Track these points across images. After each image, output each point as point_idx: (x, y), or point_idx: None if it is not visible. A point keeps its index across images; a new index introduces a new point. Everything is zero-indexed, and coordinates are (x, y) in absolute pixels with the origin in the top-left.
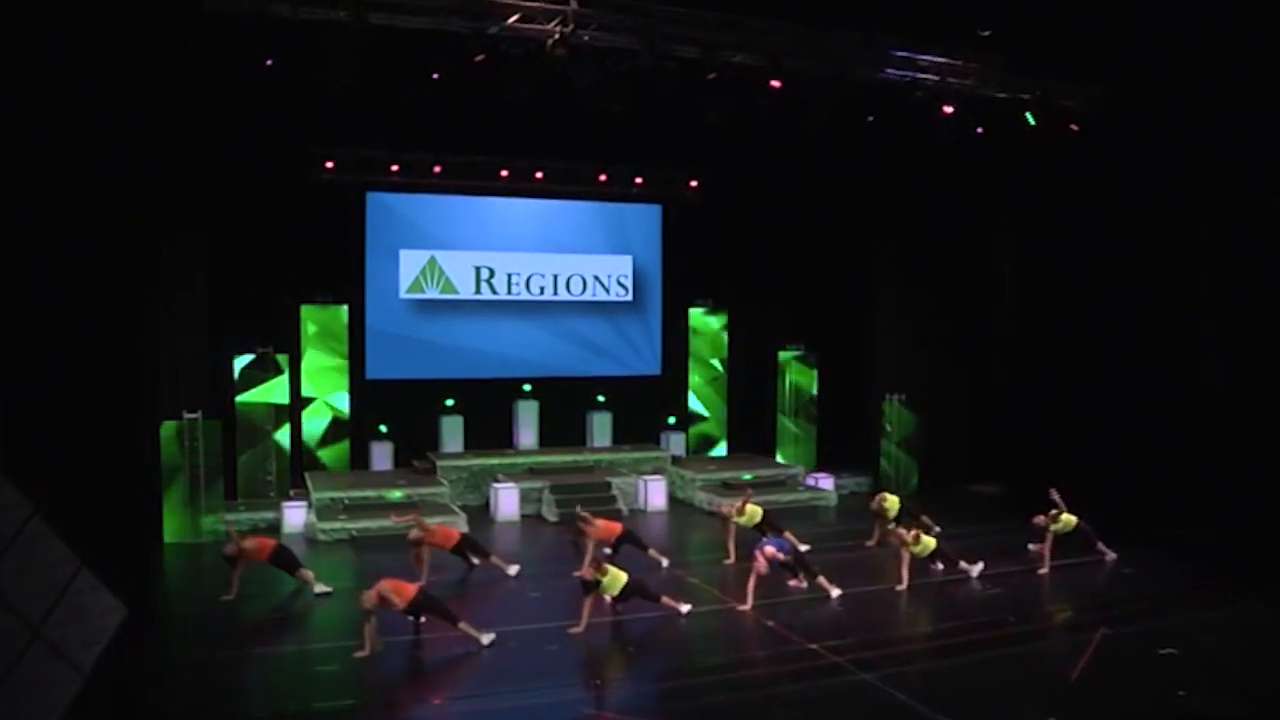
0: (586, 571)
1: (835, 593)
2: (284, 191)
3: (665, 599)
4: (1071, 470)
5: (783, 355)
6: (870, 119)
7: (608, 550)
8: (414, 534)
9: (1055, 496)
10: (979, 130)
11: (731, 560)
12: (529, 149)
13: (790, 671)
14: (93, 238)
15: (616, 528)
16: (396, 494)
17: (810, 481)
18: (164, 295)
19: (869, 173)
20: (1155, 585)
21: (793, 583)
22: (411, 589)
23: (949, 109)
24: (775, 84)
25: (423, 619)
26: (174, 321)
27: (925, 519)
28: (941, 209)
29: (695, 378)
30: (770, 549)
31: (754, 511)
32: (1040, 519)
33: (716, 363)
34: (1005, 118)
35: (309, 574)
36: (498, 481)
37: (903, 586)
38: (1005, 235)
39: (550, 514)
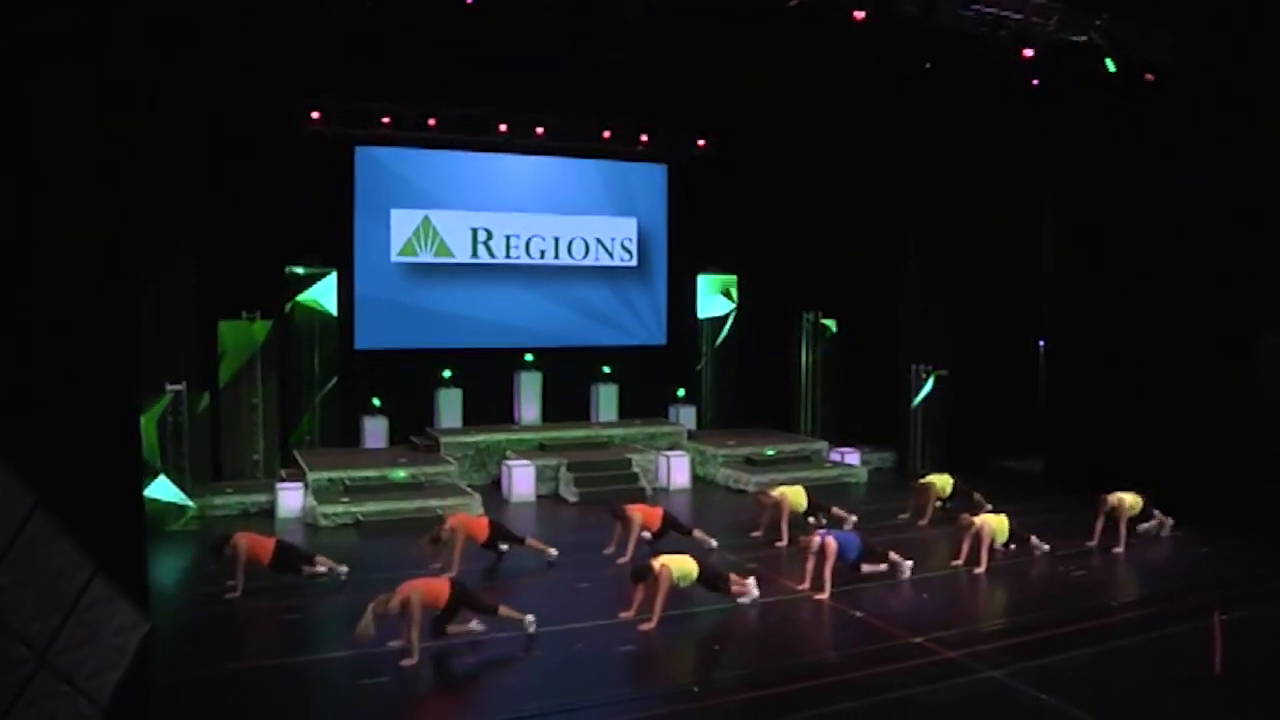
0: (653, 560)
1: (908, 567)
2: (265, 144)
3: (735, 584)
4: (1117, 445)
5: (801, 323)
6: (928, 65)
7: (647, 534)
8: (443, 534)
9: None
10: (1034, 83)
11: (784, 542)
12: (529, 102)
13: (909, 670)
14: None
15: (658, 512)
16: (400, 473)
17: (835, 457)
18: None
19: (897, 132)
20: (1244, 566)
21: (867, 567)
22: (444, 586)
23: (1029, 52)
24: (859, 15)
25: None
26: (155, 285)
27: (979, 497)
28: (980, 170)
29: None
30: (831, 541)
31: (799, 493)
32: (1110, 498)
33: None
34: (1076, 67)
35: (322, 564)
36: (508, 459)
37: (981, 569)
38: (1050, 198)
39: (570, 494)
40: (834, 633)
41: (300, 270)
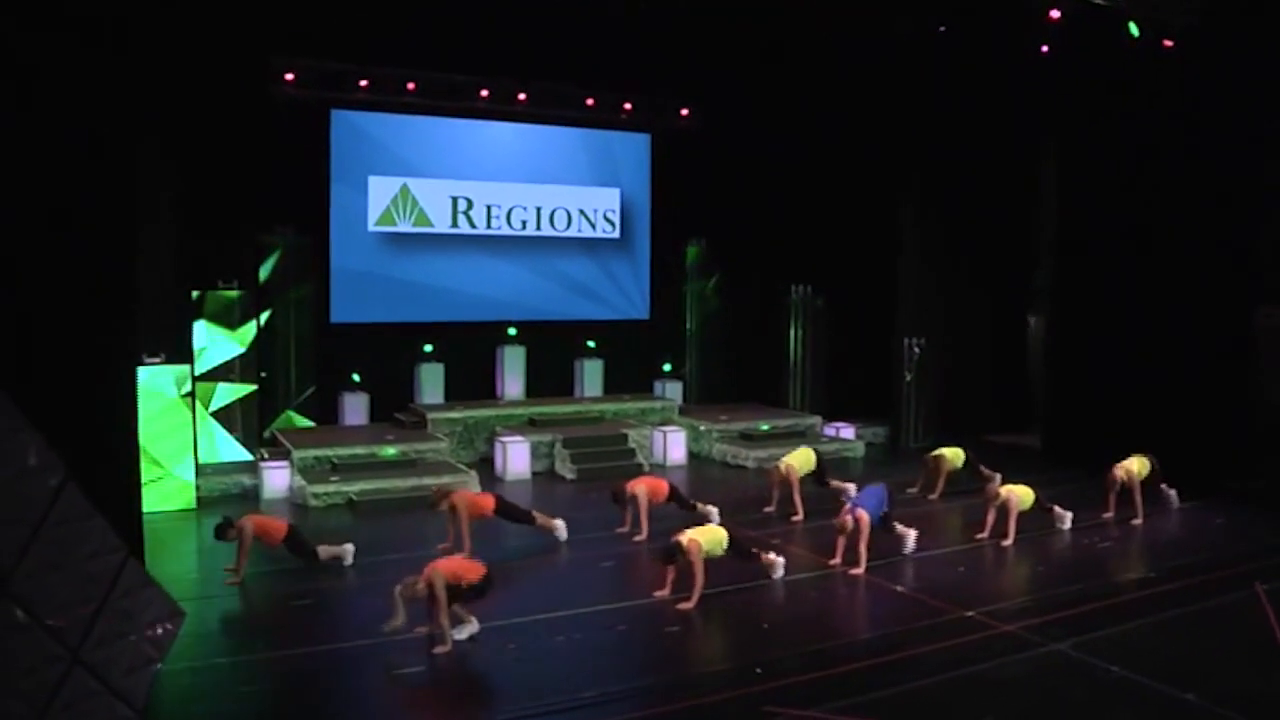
0: (679, 537)
1: (912, 538)
2: (237, 106)
3: (763, 556)
4: (1117, 418)
5: (789, 296)
6: (942, 29)
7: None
8: (441, 506)
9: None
10: (1044, 49)
11: (800, 516)
12: (512, 67)
13: (971, 645)
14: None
15: (663, 484)
16: (390, 450)
17: (830, 431)
18: None
19: (891, 99)
20: (1265, 537)
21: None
22: (470, 565)
23: (1056, 13)
24: None
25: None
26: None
27: (987, 470)
28: (979, 140)
29: (689, 323)
30: (864, 514)
31: (806, 455)
32: (1119, 471)
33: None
34: (1095, 32)
35: (328, 552)
36: (499, 435)
37: (1009, 541)
38: (1053, 168)
39: (567, 471)
40: (880, 608)
41: (275, 239)
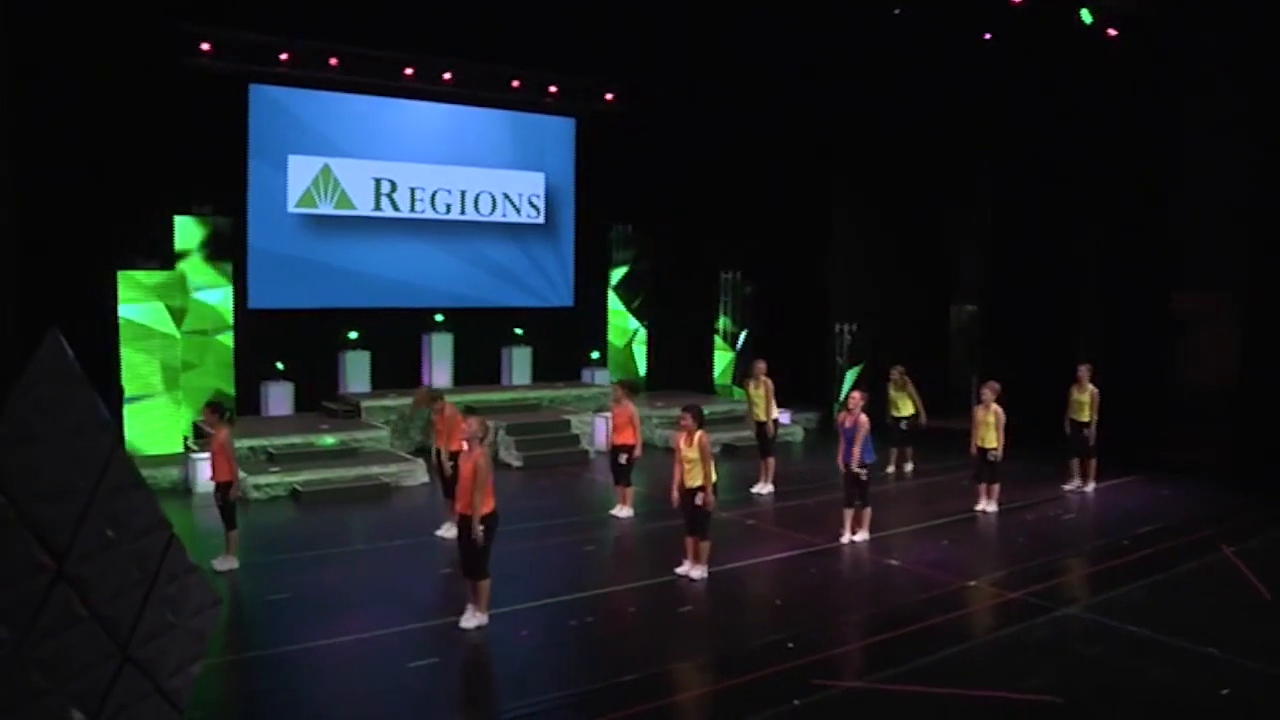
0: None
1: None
2: (151, 77)
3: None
4: (1047, 403)
5: (719, 283)
6: (897, 11)
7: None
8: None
9: None
10: (986, 36)
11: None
12: (438, 45)
13: (987, 613)
14: None
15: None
16: (329, 440)
17: None
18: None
19: (821, 86)
20: (1213, 503)
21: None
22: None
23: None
24: None
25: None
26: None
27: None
28: (912, 126)
29: (614, 312)
30: (864, 418)
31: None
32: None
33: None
34: (1042, 21)
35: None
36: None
37: (981, 507)
38: (987, 153)
39: (513, 458)
40: (883, 582)
41: (192, 219)
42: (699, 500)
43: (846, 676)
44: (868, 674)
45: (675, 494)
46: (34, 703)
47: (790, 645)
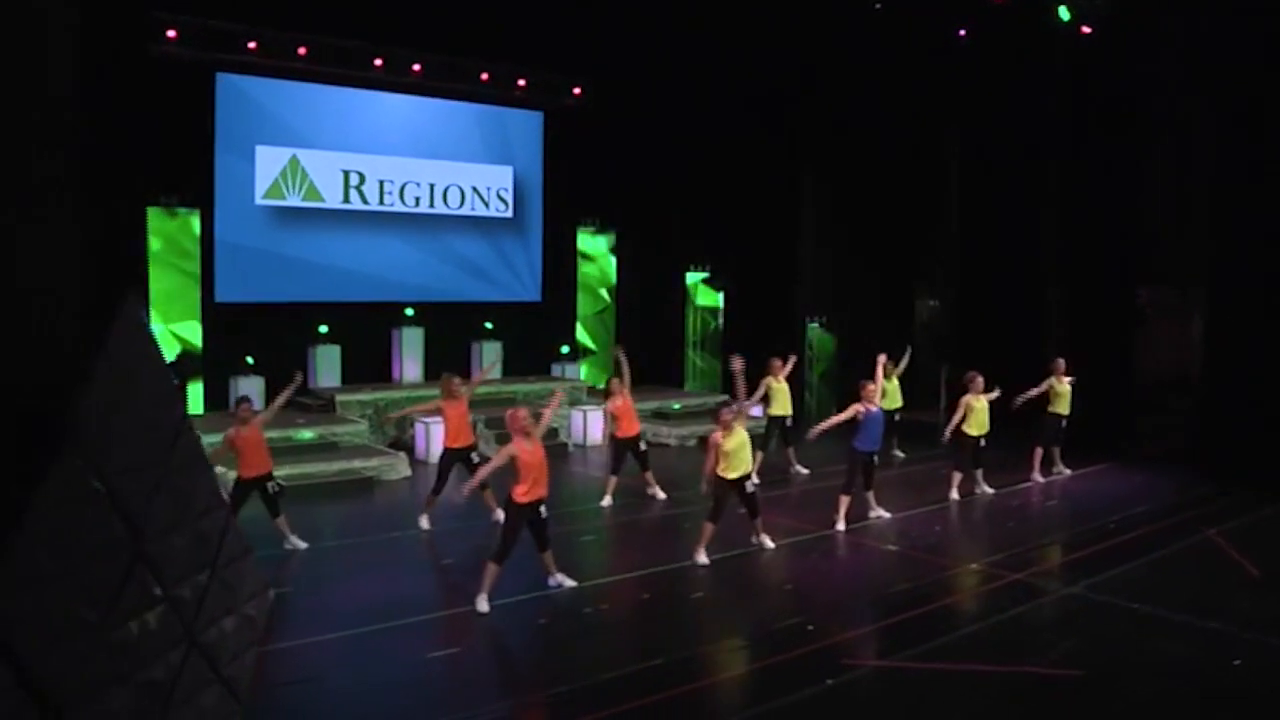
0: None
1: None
2: (114, 64)
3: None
4: (1015, 393)
5: (688, 279)
6: (878, 5)
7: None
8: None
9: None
10: (961, 33)
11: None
12: (407, 37)
13: (993, 594)
14: None
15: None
16: (307, 434)
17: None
18: None
19: (790, 81)
20: (1189, 488)
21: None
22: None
23: None
24: None
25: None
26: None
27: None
28: (881, 122)
29: (583, 307)
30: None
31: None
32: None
33: (604, 292)
34: (1013, 16)
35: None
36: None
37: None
38: (954, 154)
39: (493, 452)
40: (886, 566)
41: (159, 211)
42: (749, 488)
43: (873, 656)
44: (892, 654)
45: (704, 486)
46: (105, 692)
47: (810, 628)
